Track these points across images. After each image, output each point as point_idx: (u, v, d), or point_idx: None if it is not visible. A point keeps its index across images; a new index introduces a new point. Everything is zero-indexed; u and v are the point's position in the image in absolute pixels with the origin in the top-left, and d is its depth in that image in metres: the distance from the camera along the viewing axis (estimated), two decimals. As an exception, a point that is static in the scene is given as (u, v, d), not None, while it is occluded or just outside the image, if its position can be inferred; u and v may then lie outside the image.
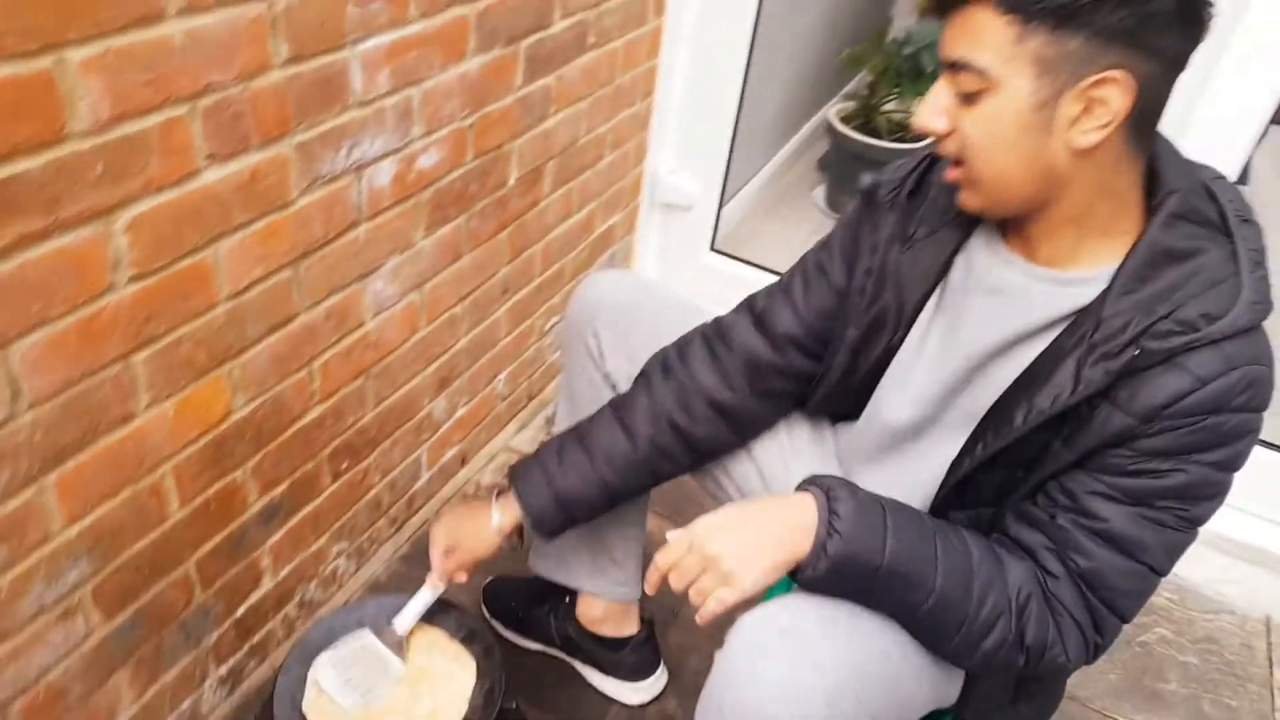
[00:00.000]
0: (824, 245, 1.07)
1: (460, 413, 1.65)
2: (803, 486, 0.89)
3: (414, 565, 1.59)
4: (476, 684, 1.19)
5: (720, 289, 1.91)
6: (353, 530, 1.47)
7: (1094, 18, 0.73)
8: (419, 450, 1.57)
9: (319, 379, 1.25)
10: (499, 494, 1.15)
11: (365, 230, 1.22)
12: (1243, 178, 1.57)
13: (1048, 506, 0.88)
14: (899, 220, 0.98)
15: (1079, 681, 1.53)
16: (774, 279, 1.12)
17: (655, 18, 1.75)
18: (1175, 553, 0.86)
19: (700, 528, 0.87)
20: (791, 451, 1.16)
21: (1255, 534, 1.69)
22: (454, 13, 1.21)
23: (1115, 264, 0.84)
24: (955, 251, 0.95)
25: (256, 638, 1.34)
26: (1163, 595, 1.72)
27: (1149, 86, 0.76)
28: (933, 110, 0.83)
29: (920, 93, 2.49)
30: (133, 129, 0.86)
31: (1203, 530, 0.87)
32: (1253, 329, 0.80)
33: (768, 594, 0.89)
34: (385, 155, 1.20)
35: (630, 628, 1.40)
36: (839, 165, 2.82)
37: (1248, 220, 0.84)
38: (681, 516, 1.69)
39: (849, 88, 3.19)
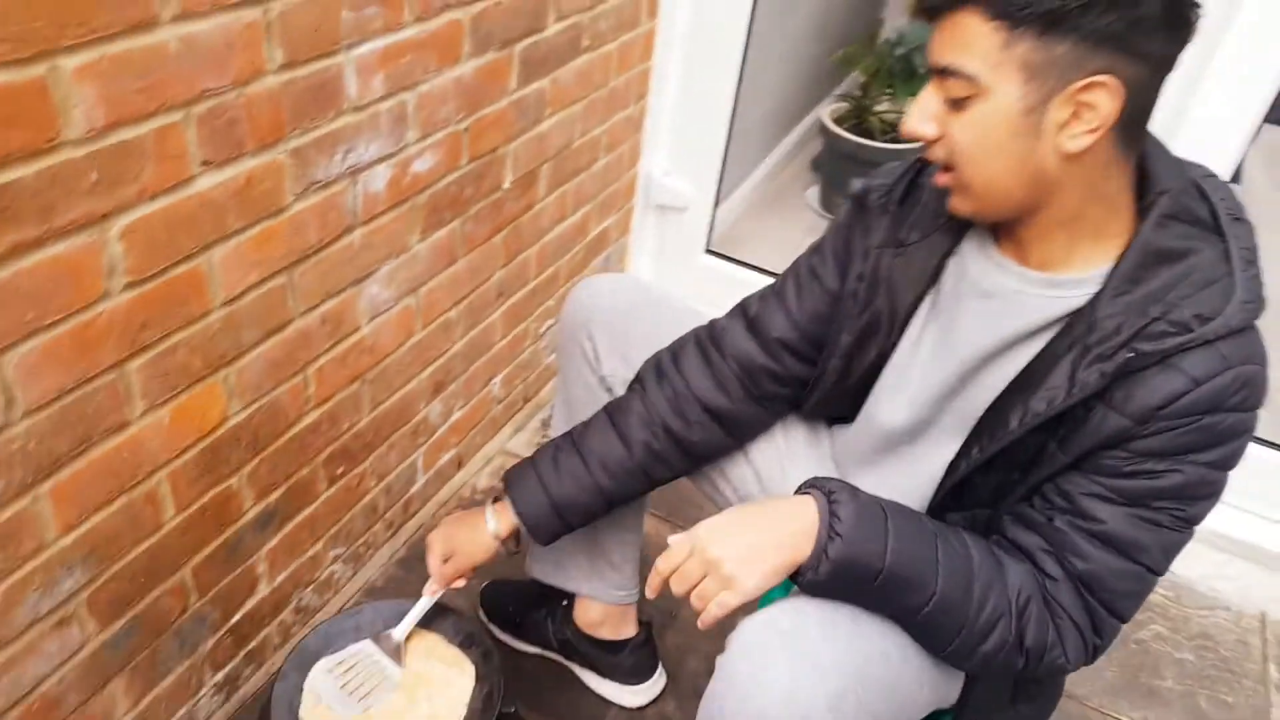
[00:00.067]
0: (816, 249, 1.07)
1: (456, 416, 1.65)
2: (803, 489, 0.89)
3: (410, 570, 1.58)
4: (475, 688, 1.19)
5: (716, 290, 1.91)
6: (349, 535, 1.47)
7: (1081, 22, 0.73)
8: (415, 454, 1.57)
9: (314, 384, 1.24)
10: (494, 500, 1.15)
11: (360, 235, 1.22)
12: (1235, 176, 1.57)
13: (1044, 509, 0.88)
14: (890, 225, 0.98)
15: (1076, 679, 1.53)
16: (770, 280, 1.12)
17: (649, 20, 1.75)
18: (1172, 552, 0.87)
19: (701, 532, 0.87)
20: (788, 454, 1.16)
21: (1250, 530, 1.69)
22: (448, 16, 1.21)
23: (1108, 266, 0.84)
24: (947, 255, 0.95)
25: (253, 644, 1.33)
26: (1158, 592, 1.73)
27: (1137, 90, 0.76)
28: (921, 116, 0.83)
29: (913, 93, 2.50)
30: (127, 136, 0.86)
31: (1198, 527, 0.87)
32: (1246, 328, 0.80)
33: (766, 597, 0.89)
34: (380, 160, 1.19)
35: (628, 630, 1.40)
36: (832, 165, 2.82)
37: (1239, 218, 0.84)
38: (679, 518, 1.70)
39: (842, 88, 3.19)
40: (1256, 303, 0.80)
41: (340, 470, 1.38)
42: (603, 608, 1.37)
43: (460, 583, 1.18)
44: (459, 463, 1.73)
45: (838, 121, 2.73)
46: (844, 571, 0.84)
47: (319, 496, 1.35)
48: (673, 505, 1.72)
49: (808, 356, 1.07)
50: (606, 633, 1.39)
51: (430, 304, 1.43)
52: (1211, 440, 0.81)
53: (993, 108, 0.78)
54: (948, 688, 0.97)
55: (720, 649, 0.87)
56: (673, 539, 0.89)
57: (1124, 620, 0.89)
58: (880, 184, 1.00)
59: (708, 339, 1.10)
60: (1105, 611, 0.87)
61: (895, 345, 1.00)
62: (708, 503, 1.24)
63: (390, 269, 1.30)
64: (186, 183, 0.94)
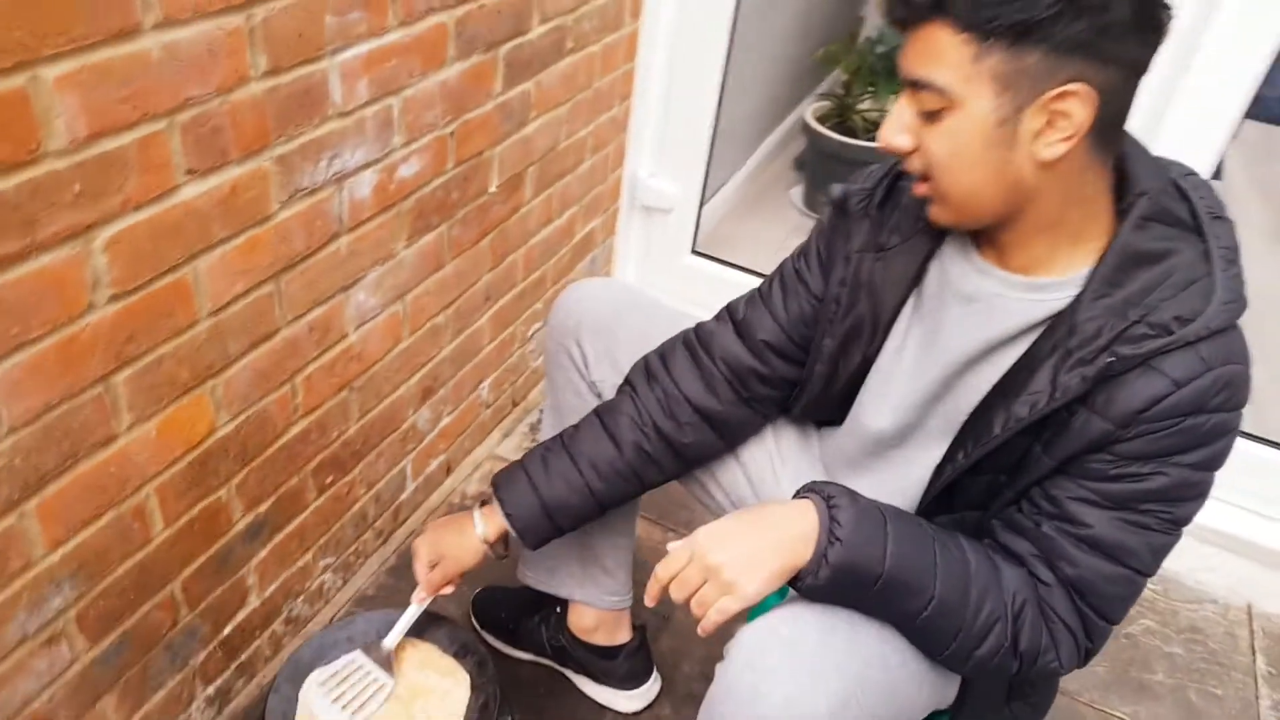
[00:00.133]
0: (801, 253, 1.07)
1: (445, 422, 1.64)
2: (801, 494, 0.89)
3: (401, 578, 1.57)
4: (471, 698, 1.19)
5: (702, 291, 1.92)
6: (339, 544, 1.46)
7: (1051, 32, 0.73)
8: (404, 461, 1.56)
9: (302, 393, 1.23)
10: (482, 503, 1.14)
11: (347, 242, 1.20)
12: (1215, 173, 1.58)
13: (1032, 514, 0.88)
14: (871, 229, 0.98)
15: (1068, 675, 1.53)
16: (757, 280, 1.12)
17: (632, 21, 1.75)
18: (1160, 554, 0.87)
19: (700, 538, 0.87)
20: (779, 457, 1.16)
21: (1235, 523, 1.71)
22: (432, 20, 1.20)
23: (1088, 269, 0.84)
24: (928, 258, 0.95)
25: (244, 656, 1.32)
26: (1147, 586, 1.74)
27: (1110, 95, 0.76)
28: (896, 128, 0.83)
29: (895, 91, 2.51)
30: (110, 146, 0.85)
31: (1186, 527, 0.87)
32: (1227, 328, 0.80)
33: (763, 604, 0.89)
34: (366, 165, 1.18)
35: (622, 635, 1.40)
36: (815, 164, 2.83)
37: (1220, 217, 0.84)
38: (670, 520, 1.70)
39: (824, 87, 3.20)
40: (1237, 302, 0.80)
41: (329, 479, 1.36)
42: (597, 613, 1.36)
43: (449, 589, 1.16)
44: (448, 468, 1.72)
45: (820, 120, 2.74)
46: (844, 576, 0.83)
47: (308, 506, 1.34)
48: (664, 508, 1.71)
49: (795, 359, 1.07)
50: (601, 638, 1.38)
51: (418, 309, 1.42)
52: (1195, 442, 0.81)
53: (966, 120, 0.78)
54: (945, 689, 0.98)
55: (716, 653, 0.87)
56: (671, 545, 0.88)
57: (1114, 623, 0.90)
58: (859, 189, 0.99)
59: (696, 341, 1.10)
60: (1096, 616, 0.88)
61: (879, 349, 1.00)
62: (699, 506, 1.24)
63: (377, 275, 1.29)
64: (171, 192, 0.93)
